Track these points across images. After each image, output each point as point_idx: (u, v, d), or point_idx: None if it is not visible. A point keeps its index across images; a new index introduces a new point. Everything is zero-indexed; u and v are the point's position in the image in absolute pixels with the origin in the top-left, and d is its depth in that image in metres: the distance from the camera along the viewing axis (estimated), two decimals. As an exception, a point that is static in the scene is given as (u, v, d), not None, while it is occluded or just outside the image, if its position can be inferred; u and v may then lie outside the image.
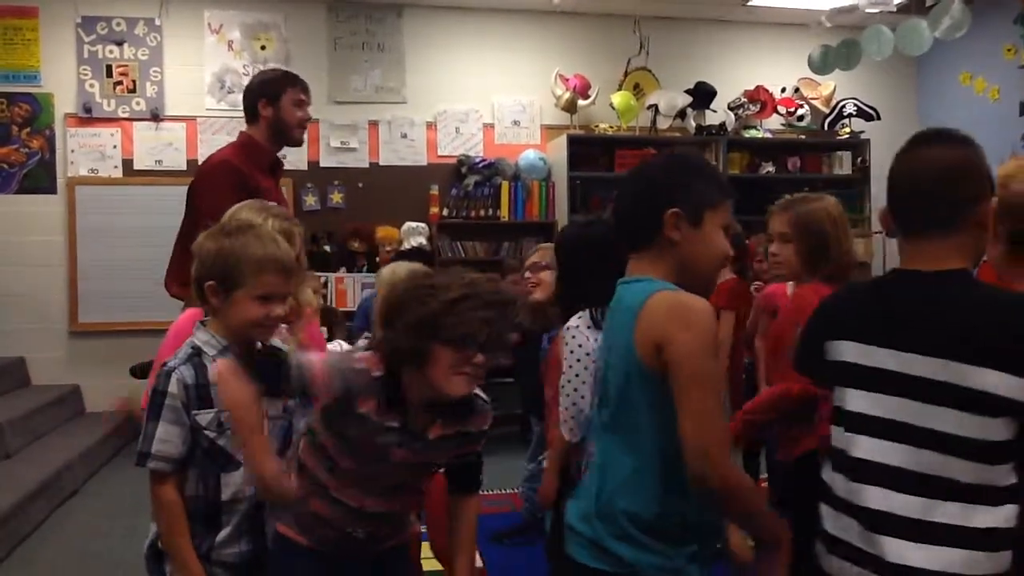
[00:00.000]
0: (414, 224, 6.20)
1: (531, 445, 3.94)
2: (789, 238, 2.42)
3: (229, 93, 6.19)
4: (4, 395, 5.40)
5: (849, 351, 1.50)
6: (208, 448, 1.73)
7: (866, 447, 1.45)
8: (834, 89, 7.04)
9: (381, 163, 6.49)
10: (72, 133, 6.05)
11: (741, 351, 3.85)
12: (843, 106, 6.94)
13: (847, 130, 6.93)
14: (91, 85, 6.07)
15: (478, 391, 1.77)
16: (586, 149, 6.48)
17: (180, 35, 6.21)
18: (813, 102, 7.09)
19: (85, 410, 5.94)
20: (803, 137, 7.00)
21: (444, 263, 6.27)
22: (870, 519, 1.41)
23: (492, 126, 6.69)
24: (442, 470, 1.90)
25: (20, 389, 5.72)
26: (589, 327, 2.34)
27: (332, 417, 1.73)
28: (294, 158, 6.26)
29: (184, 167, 6.03)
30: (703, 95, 6.66)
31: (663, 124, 6.59)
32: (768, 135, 6.92)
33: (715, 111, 6.74)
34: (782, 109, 6.99)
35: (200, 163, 3.64)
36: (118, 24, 6.12)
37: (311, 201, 6.31)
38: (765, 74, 6.99)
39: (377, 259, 5.95)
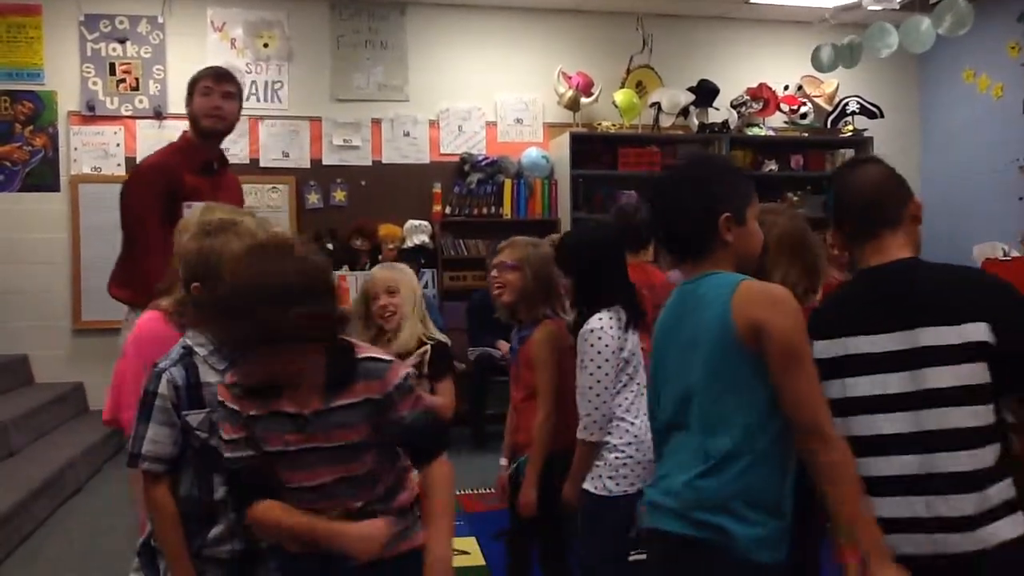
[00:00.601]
0: (417, 222, 6.22)
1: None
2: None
3: (232, 91, 6.19)
4: (7, 393, 5.40)
5: (854, 344, 1.66)
6: (200, 448, 1.73)
7: (881, 425, 1.61)
8: (837, 87, 7.04)
9: (384, 161, 6.49)
10: (75, 131, 6.05)
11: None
12: (846, 104, 6.93)
13: (850, 128, 6.91)
14: (94, 83, 6.08)
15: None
16: (589, 147, 6.47)
17: (183, 33, 6.21)
18: (816, 100, 7.09)
19: (88, 408, 5.93)
20: (806, 135, 6.99)
21: (447, 261, 6.30)
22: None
23: (495, 124, 6.69)
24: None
25: (23, 387, 5.73)
26: (618, 328, 2.40)
27: (232, 442, 1.65)
28: (296, 156, 6.29)
29: (187, 165, 6.03)
30: (706, 93, 6.66)
31: (666, 122, 6.58)
32: (771, 133, 6.91)
33: (718, 109, 6.73)
34: (785, 107, 6.98)
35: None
36: (121, 22, 6.12)
37: (314, 199, 6.31)
38: (768, 72, 6.98)
39: (380, 257, 5.94)
